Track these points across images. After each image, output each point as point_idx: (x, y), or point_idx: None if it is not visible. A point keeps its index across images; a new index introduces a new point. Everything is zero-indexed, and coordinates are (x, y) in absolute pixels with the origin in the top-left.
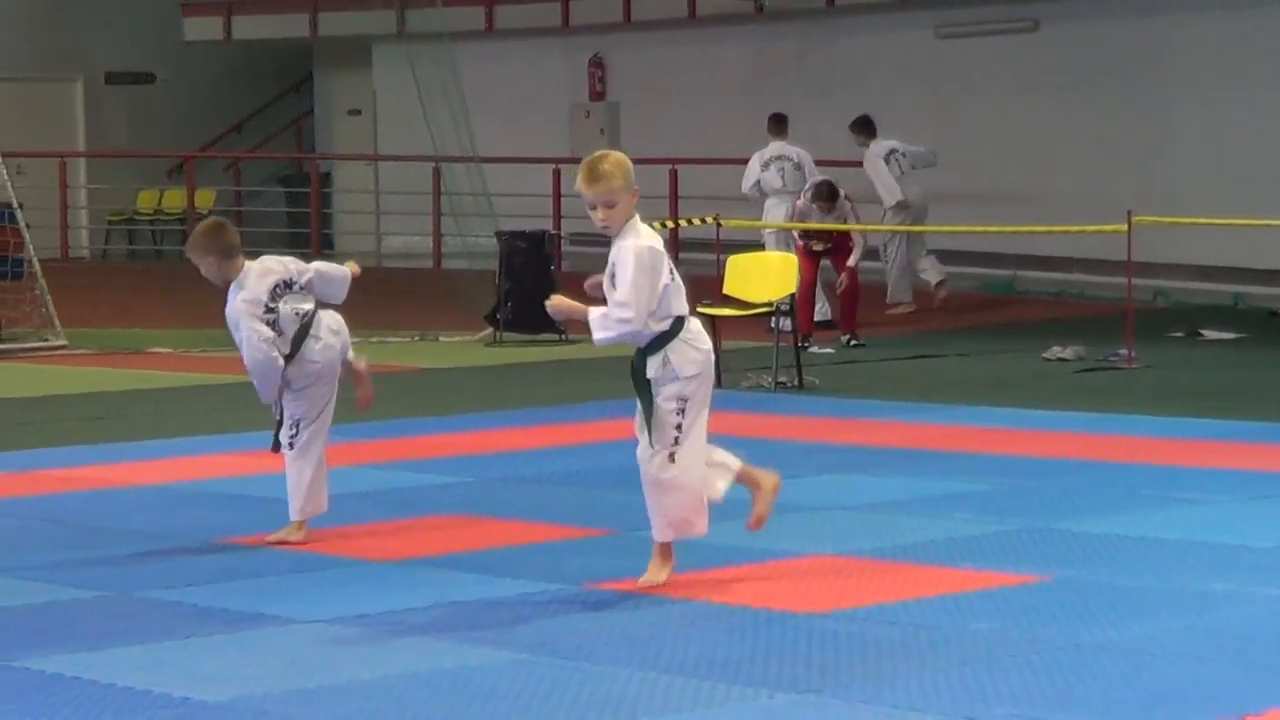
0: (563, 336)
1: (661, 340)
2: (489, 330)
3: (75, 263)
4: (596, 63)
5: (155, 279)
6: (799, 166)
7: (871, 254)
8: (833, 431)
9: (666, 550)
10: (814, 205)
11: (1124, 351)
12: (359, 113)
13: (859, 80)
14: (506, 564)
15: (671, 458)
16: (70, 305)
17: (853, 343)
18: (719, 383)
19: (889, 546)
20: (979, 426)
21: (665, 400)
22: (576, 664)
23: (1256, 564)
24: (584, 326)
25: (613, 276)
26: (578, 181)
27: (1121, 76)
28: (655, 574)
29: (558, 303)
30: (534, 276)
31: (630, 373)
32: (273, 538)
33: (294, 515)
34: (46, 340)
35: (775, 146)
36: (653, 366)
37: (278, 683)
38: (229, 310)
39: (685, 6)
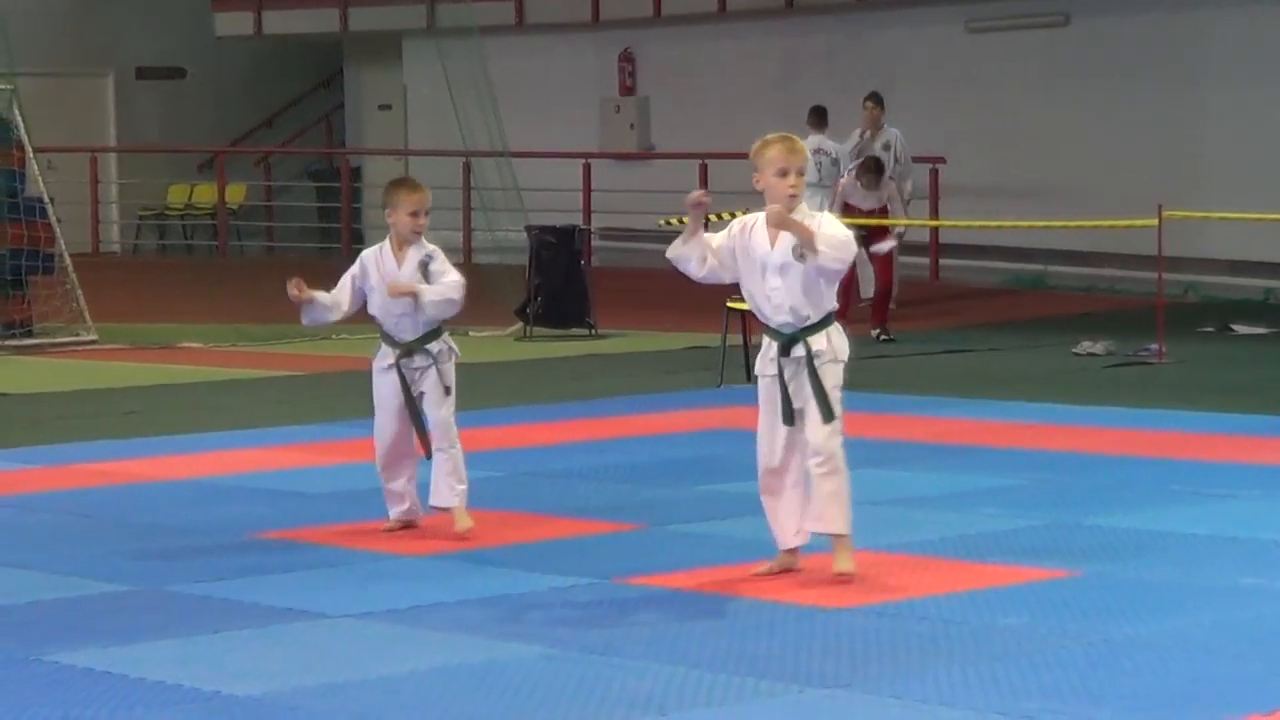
0: (593, 331)
1: (827, 320)
2: (519, 325)
3: (106, 257)
4: (626, 57)
5: (186, 274)
6: (835, 162)
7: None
8: (861, 426)
9: (846, 542)
10: (858, 182)
11: (1154, 346)
12: (389, 107)
13: (890, 75)
14: (536, 558)
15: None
16: (101, 300)
17: (883, 337)
18: (748, 376)
19: (918, 541)
20: (1009, 421)
21: (832, 385)
22: (606, 659)
23: None
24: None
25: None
26: (773, 152)
27: (1153, 70)
28: (847, 563)
29: (780, 215)
30: (564, 271)
31: (775, 361)
32: (460, 529)
33: (462, 501)
34: (78, 335)
35: (814, 140)
36: (819, 343)
37: (308, 677)
38: (432, 250)
39: (715, 1)
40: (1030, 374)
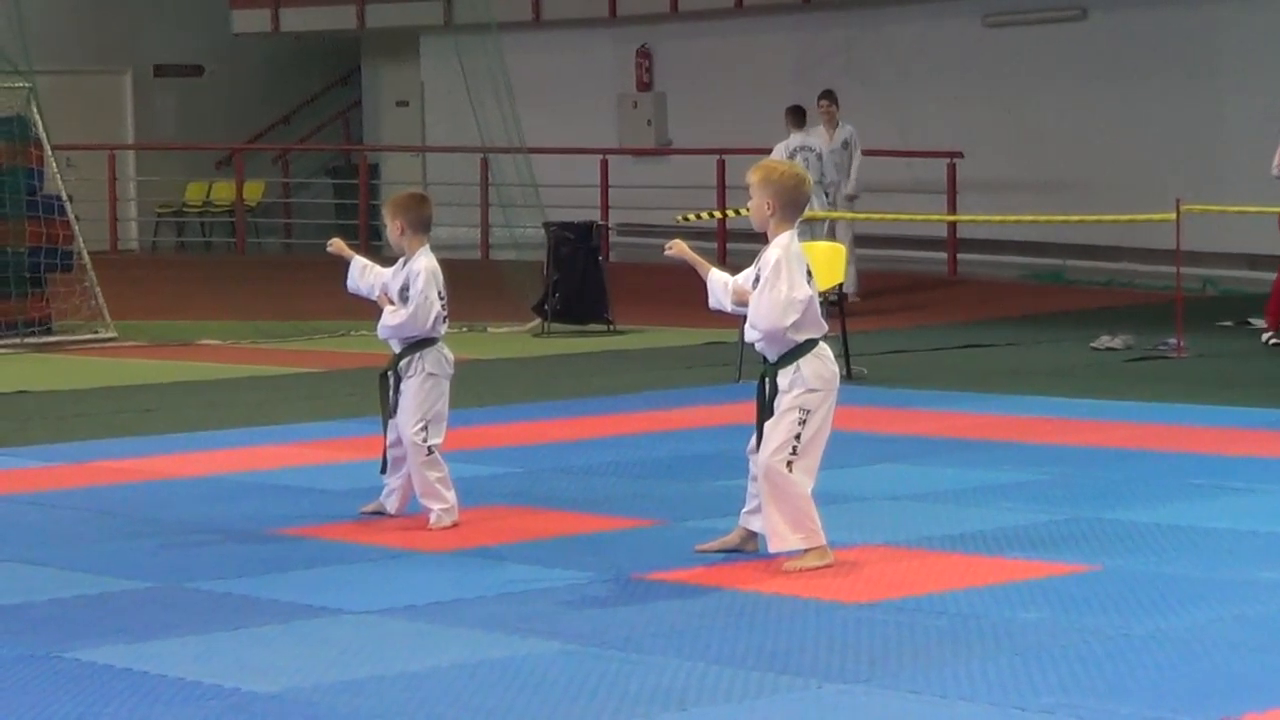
0: (611, 327)
1: (791, 356)
2: (537, 321)
3: (124, 255)
4: (644, 53)
5: (204, 271)
6: (820, 157)
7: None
8: (881, 421)
9: (806, 554)
10: None
11: (1173, 341)
12: (406, 104)
13: (907, 69)
14: (556, 554)
15: (788, 466)
16: (120, 297)
17: (1272, 340)
18: None
19: (938, 536)
20: (1028, 416)
21: (788, 413)
22: (625, 654)
23: None
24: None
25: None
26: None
27: (1170, 64)
28: (795, 564)
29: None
30: (582, 267)
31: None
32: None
33: (446, 520)
34: (97, 332)
35: (796, 138)
36: (784, 379)
37: (328, 674)
38: (415, 265)
39: None
40: (1049, 368)
